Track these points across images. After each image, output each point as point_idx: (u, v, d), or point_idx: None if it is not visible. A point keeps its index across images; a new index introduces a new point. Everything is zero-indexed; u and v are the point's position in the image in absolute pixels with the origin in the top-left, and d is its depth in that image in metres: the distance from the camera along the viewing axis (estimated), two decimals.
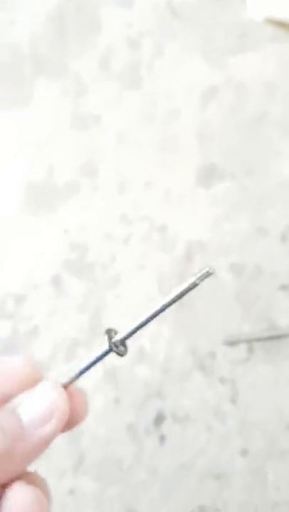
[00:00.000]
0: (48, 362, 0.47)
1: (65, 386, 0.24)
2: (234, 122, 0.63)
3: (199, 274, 0.23)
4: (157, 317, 0.23)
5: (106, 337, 0.24)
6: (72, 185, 0.57)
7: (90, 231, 0.54)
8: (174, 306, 0.50)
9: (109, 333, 0.24)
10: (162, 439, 0.42)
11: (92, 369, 0.47)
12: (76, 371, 0.24)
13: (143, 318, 0.23)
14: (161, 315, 0.24)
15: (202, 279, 0.23)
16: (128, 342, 0.46)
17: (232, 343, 0.46)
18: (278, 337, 0.46)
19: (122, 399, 0.44)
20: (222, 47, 0.69)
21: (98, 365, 0.46)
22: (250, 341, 0.46)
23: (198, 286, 0.24)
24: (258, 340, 0.46)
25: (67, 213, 0.55)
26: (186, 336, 0.47)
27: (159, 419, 0.43)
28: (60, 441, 0.43)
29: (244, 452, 0.42)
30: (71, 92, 0.65)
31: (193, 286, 0.23)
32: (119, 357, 0.24)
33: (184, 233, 0.54)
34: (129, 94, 0.65)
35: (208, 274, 0.23)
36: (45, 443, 0.23)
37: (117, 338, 0.24)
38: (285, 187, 0.56)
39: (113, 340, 0.24)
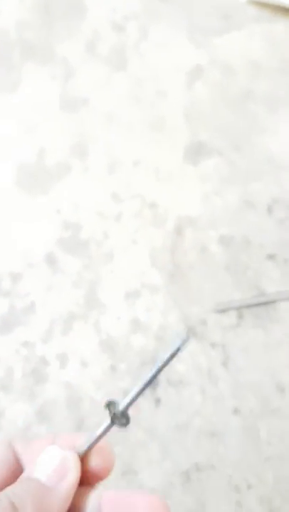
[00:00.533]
0: (45, 336, 0.48)
1: (80, 456, 0.25)
2: (220, 100, 0.64)
3: (179, 342, 0.24)
4: (149, 386, 0.25)
5: (107, 411, 0.25)
6: (64, 166, 0.58)
7: (83, 210, 0.56)
8: (166, 277, 0.52)
9: (109, 406, 0.25)
10: (158, 401, 0.44)
11: (88, 340, 0.48)
12: (84, 446, 0.25)
13: (137, 389, 0.24)
14: (154, 370, 0.24)
15: (183, 345, 0.24)
16: (123, 318, 0.47)
17: (222, 310, 0.48)
18: (266, 303, 0.48)
19: (118, 367, 0.46)
20: (207, 27, 0.71)
21: (94, 336, 0.48)
22: (239, 308, 0.48)
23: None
24: (248, 306, 0.48)
25: (59, 194, 0.56)
26: (178, 305, 0.49)
27: (154, 384, 0.45)
28: (61, 405, 0.44)
29: (237, 412, 0.44)
30: (59, 75, 0.66)
31: (177, 351, 0.24)
32: (122, 428, 0.25)
33: (174, 209, 0.56)
34: (116, 77, 0.66)
35: (187, 340, 0.24)
36: (68, 497, 0.24)
37: (117, 410, 0.25)
38: (271, 161, 0.58)
39: (114, 412, 0.25)
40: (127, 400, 0.24)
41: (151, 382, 0.24)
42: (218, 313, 0.48)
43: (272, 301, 0.48)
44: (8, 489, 0.23)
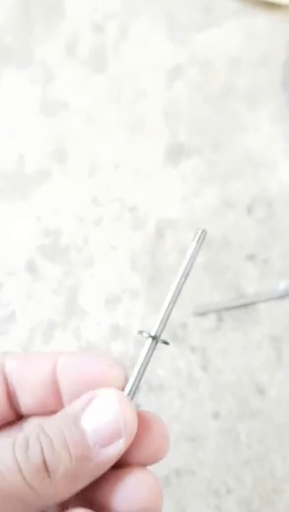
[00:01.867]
0: (26, 345, 0.48)
1: (131, 396, 0.22)
2: (200, 99, 0.64)
3: (197, 238, 0.25)
4: (180, 293, 0.24)
5: (143, 334, 0.24)
6: (43, 171, 0.58)
7: (63, 215, 0.56)
8: (146, 281, 0.51)
9: (142, 332, 0.24)
10: (137, 408, 0.44)
11: (68, 348, 0.48)
12: (133, 378, 0.23)
13: (168, 301, 0.24)
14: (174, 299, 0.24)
15: (202, 242, 0.25)
16: (103, 324, 0.48)
17: (202, 313, 0.48)
18: (246, 305, 0.48)
19: None
20: (186, 23, 0.70)
21: (74, 343, 0.48)
22: (219, 311, 0.48)
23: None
24: (227, 309, 0.48)
25: (39, 200, 0.56)
26: (158, 309, 0.49)
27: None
28: None
29: (216, 415, 0.44)
30: (38, 79, 0.66)
31: (198, 250, 0.24)
32: (165, 345, 0.24)
33: (154, 211, 0.55)
34: (95, 78, 0.66)
35: (204, 234, 0.25)
36: (109, 465, 0.20)
37: (155, 328, 0.24)
38: (250, 160, 0.57)
39: (153, 333, 0.24)
40: (159, 318, 0.24)
41: (180, 289, 0.25)
42: (197, 317, 0.48)
43: (252, 303, 0.48)
44: (48, 430, 0.19)
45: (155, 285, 0.51)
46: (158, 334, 0.24)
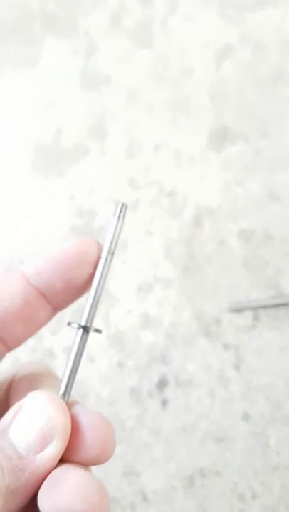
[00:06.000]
0: (54, 328, 0.47)
1: (65, 397, 0.21)
2: (250, 82, 0.60)
3: (118, 212, 0.23)
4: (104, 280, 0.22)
5: (72, 325, 0.22)
6: (81, 148, 0.56)
7: (98, 196, 0.54)
8: (180, 271, 0.49)
9: (70, 323, 0.23)
10: (165, 402, 0.43)
11: (97, 334, 0.47)
12: (67, 373, 0.21)
13: (95, 285, 0.22)
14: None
15: (123, 216, 0.23)
16: (133, 312, 0.45)
17: (238, 310, 0.46)
18: (285, 304, 0.45)
19: (126, 363, 0.45)
20: (239, 1, 0.66)
21: (103, 329, 0.46)
22: (256, 308, 0.46)
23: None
24: (265, 307, 0.46)
25: (75, 178, 0.54)
26: (192, 301, 0.47)
27: (162, 383, 0.43)
28: None
29: (246, 417, 0.42)
30: (81, 51, 0.63)
31: (121, 226, 0.23)
32: (98, 333, 0.22)
33: (193, 198, 0.53)
34: (140, 53, 0.63)
35: (125, 208, 0.23)
36: (46, 471, 0.19)
37: (84, 317, 0.22)
38: None
39: (83, 322, 0.22)
40: (88, 306, 0.22)
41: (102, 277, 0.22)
42: (233, 313, 0.46)
43: None
44: None
45: (189, 275, 0.49)
46: (88, 324, 0.22)
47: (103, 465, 0.39)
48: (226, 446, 0.41)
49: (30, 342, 0.47)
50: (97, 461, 0.20)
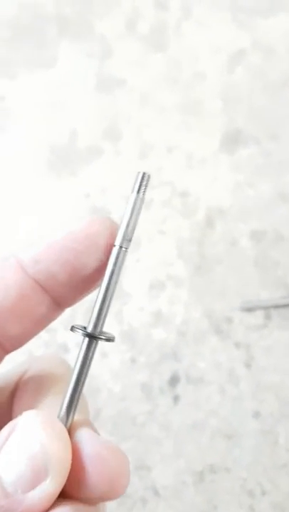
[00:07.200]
0: (67, 324, 0.48)
1: (67, 419, 0.17)
2: (261, 86, 0.61)
3: (137, 186, 0.18)
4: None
5: (77, 331, 0.18)
6: (95, 149, 0.57)
7: (111, 195, 0.54)
8: (192, 270, 0.50)
9: (74, 327, 0.18)
10: (176, 398, 0.43)
11: (109, 329, 0.48)
12: (70, 389, 0.17)
13: (108, 277, 0.18)
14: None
15: (144, 191, 0.18)
16: (146, 310, 0.45)
17: (249, 309, 0.46)
18: None
19: (137, 359, 0.45)
20: (252, 7, 0.67)
21: (115, 325, 0.47)
22: (267, 308, 0.46)
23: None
24: (276, 307, 0.46)
25: (88, 178, 0.55)
26: (203, 300, 0.47)
27: (174, 380, 0.44)
28: None
29: (256, 414, 0.42)
30: (96, 53, 0.64)
31: (141, 204, 0.18)
32: (109, 343, 0.19)
33: (204, 199, 0.54)
34: (154, 57, 0.64)
35: (147, 179, 0.18)
36: (43, 509, 0.15)
37: (92, 322, 0.18)
38: None
39: (90, 329, 0.18)
40: (95, 311, 0.18)
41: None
42: (244, 312, 0.46)
43: None
44: None
45: (200, 275, 0.49)
46: (98, 330, 0.18)
47: None
48: (235, 443, 0.42)
49: (44, 336, 0.47)
50: (104, 498, 0.16)
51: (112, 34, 0.65)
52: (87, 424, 0.17)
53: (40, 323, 0.21)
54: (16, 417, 0.17)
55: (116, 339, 0.46)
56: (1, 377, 0.21)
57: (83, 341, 0.18)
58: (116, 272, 0.18)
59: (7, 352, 0.20)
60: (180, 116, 0.59)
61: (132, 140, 0.58)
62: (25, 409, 0.17)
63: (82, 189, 0.55)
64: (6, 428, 0.16)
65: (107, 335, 0.18)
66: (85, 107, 0.60)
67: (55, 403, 0.18)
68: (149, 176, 0.19)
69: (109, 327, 0.47)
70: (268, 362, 0.44)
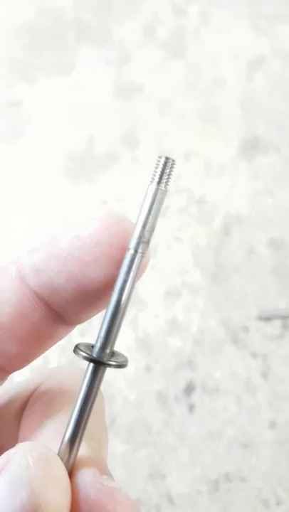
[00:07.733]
0: (84, 328, 0.48)
1: (70, 456, 0.14)
2: (281, 93, 0.61)
3: (158, 174, 0.14)
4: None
5: (80, 354, 0.15)
6: (112, 155, 0.57)
7: (129, 203, 0.55)
8: (208, 278, 0.50)
9: (78, 348, 0.15)
10: (191, 407, 0.43)
11: (125, 337, 0.48)
12: (73, 421, 0.14)
13: (121, 282, 0.15)
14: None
15: (167, 180, 0.15)
16: (161, 317, 0.45)
17: (266, 318, 0.46)
18: None
19: (153, 367, 0.45)
20: (271, 14, 0.67)
21: (131, 332, 0.47)
22: (285, 317, 0.46)
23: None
24: None
25: (106, 184, 0.56)
26: (220, 308, 0.47)
27: (189, 389, 0.44)
28: None
29: (272, 424, 0.42)
30: (114, 60, 0.65)
31: (163, 197, 0.15)
32: (119, 369, 0.15)
33: (222, 206, 0.54)
34: (173, 63, 0.64)
35: (171, 164, 0.15)
36: None
37: (100, 341, 0.15)
38: None
39: (96, 353, 0.14)
40: (103, 330, 0.14)
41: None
42: (261, 321, 0.46)
43: None
44: None
45: (218, 283, 0.49)
46: (107, 352, 0.14)
47: (129, 466, 0.40)
48: (251, 453, 0.41)
49: (60, 341, 0.48)
50: None
51: (131, 40, 0.66)
52: (94, 461, 0.14)
53: (44, 343, 0.17)
54: (21, 437, 0.15)
55: (132, 346, 0.46)
56: (11, 390, 0.19)
57: (88, 366, 0.15)
58: (130, 281, 0.15)
59: (8, 373, 0.18)
60: (198, 123, 0.59)
61: (150, 147, 0.58)
62: (33, 427, 0.15)
63: (98, 196, 0.55)
64: (1, 459, 0.13)
65: (117, 359, 0.15)
66: (103, 113, 0.61)
67: (65, 423, 0.15)
68: (173, 162, 0.15)
69: (124, 334, 0.47)
70: (284, 372, 0.44)
